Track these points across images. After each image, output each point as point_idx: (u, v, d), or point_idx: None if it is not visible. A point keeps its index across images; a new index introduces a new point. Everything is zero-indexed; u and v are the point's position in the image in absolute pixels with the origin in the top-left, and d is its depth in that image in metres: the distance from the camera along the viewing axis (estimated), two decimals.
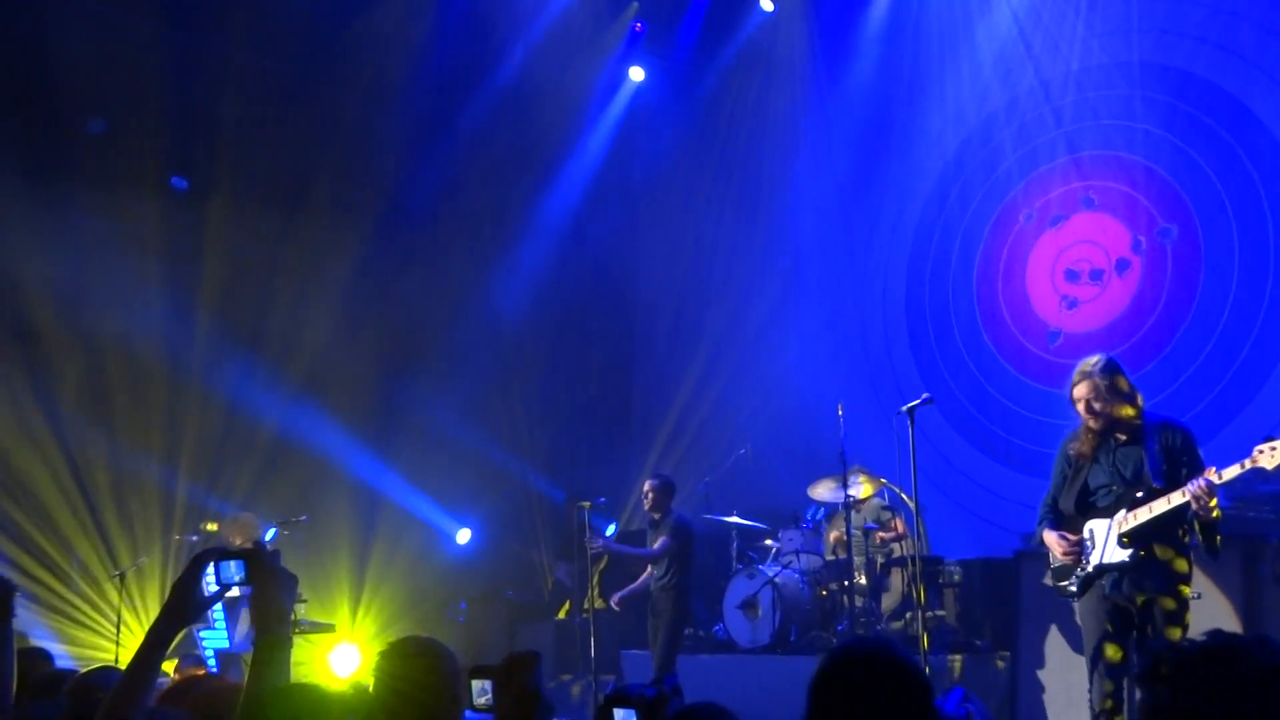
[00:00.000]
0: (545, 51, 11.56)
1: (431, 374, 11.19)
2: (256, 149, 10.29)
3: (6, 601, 3.23)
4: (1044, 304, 10.24)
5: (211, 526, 10.07)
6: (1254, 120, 9.03)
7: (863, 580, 8.41)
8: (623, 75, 12.33)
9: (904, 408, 6.20)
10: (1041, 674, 7.01)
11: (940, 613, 8.40)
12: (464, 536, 11.68)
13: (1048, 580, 5.29)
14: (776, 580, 8.38)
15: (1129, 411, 4.98)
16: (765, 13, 11.94)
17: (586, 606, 11.01)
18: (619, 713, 2.72)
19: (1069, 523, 5.11)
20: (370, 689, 2.97)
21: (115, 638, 8.56)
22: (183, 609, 2.51)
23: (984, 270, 10.66)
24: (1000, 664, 7.53)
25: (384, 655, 3.04)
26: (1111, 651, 4.89)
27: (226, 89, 10.19)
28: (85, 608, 9.68)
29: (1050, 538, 5.12)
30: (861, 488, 8.66)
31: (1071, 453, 5.11)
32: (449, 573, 11.24)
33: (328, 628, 8.38)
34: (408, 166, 11.33)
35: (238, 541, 8.88)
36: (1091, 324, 9.83)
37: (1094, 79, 10.00)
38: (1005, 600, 7.61)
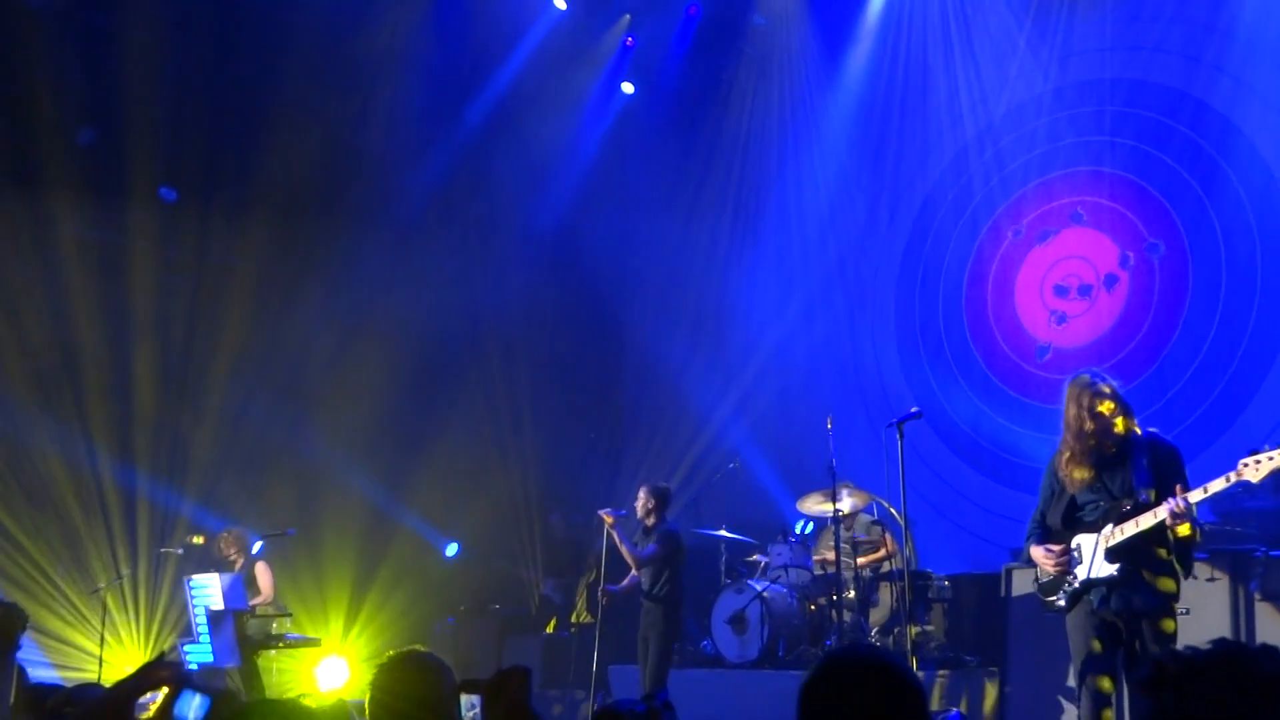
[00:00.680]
0: (538, 65, 11.58)
1: (421, 385, 11.16)
2: (247, 159, 10.27)
3: (12, 632, 3.19)
4: (1033, 319, 10.26)
5: (198, 539, 10.04)
6: (1241, 137, 9.08)
7: (851, 595, 8.39)
8: (614, 89, 12.36)
9: (892, 422, 6.20)
10: (1030, 689, 6.99)
11: (929, 627, 8.38)
12: (452, 550, 11.65)
13: (1033, 591, 5.28)
14: (765, 595, 8.35)
15: (1133, 424, 4.99)
16: (756, 27, 11.99)
17: (574, 620, 10.99)
18: None
19: (1057, 538, 5.09)
20: (344, 703, 2.94)
21: (99, 653, 8.49)
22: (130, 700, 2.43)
23: (973, 284, 10.68)
24: (988, 679, 7.51)
25: (381, 669, 3.01)
26: (1099, 667, 4.88)
27: (218, 99, 10.18)
28: (70, 621, 9.61)
29: (1038, 552, 5.11)
30: (850, 502, 8.64)
31: (1061, 474, 5.08)
32: (436, 586, 11.19)
33: (313, 642, 8.32)
34: (400, 176, 11.32)
35: (231, 555, 8.84)
36: (1080, 339, 9.85)
37: (1083, 95, 10.05)
38: (994, 615, 7.60)
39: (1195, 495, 4.68)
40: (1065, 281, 10.09)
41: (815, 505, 8.85)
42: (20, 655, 4.51)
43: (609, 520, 7.75)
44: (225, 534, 8.93)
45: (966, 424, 10.41)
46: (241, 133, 10.31)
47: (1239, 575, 6.19)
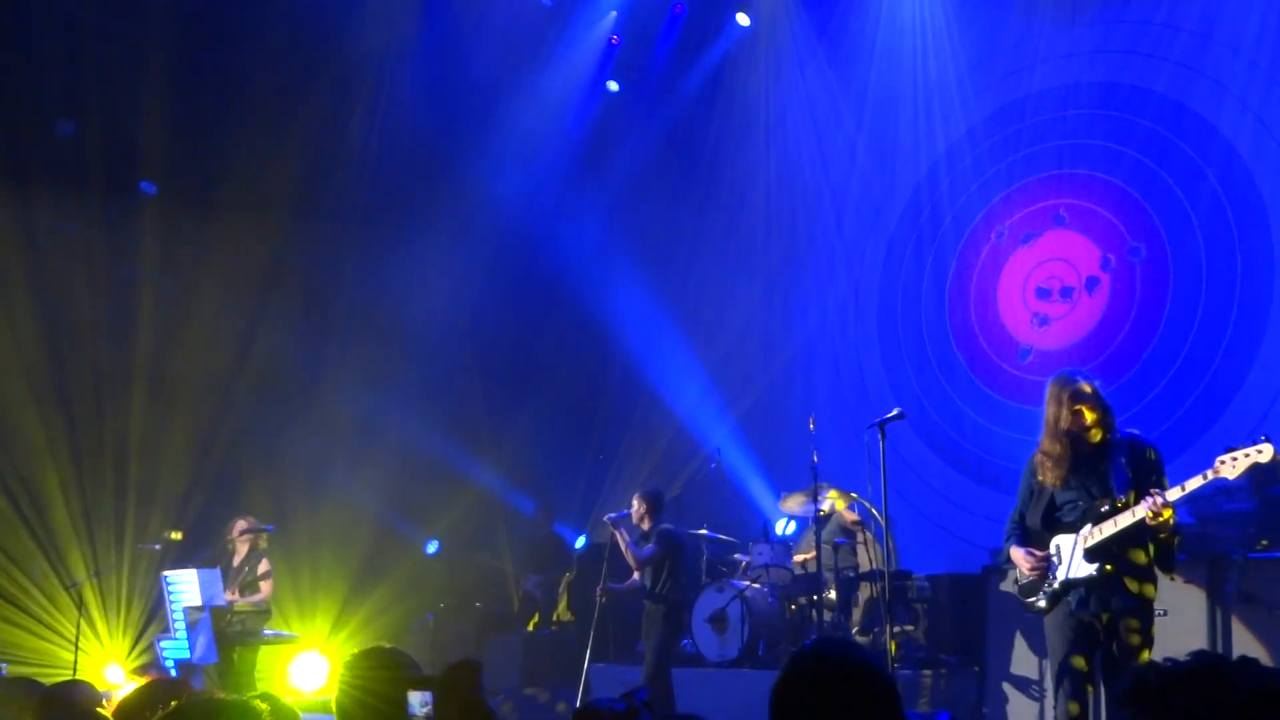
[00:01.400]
0: (521, 61, 11.55)
1: (399, 384, 11.12)
2: (224, 155, 10.22)
3: None
4: (1015, 321, 10.30)
5: (176, 535, 9.97)
6: (1221, 140, 9.13)
7: (832, 595, 8.40)
8: (599, 87, 12.34)
9: (874, 422, 6.20)
10: (1009, 689, 7.01)
11: (909, 627, 8.40)
12: (433, 547, 11.62)
13: (1014, 592, 5.29)
14: (746, 594, 8.35)
15: (1099, 428, 5.00)
16: (741, 28, 12.00)
17: (555, 619, 10.97)
18: None
19: (1036, 538, 5.11)
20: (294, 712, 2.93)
21: (74, 648, 8.42)
22: None
23: (956, 286, 10.71)
24: (969, 679, 7.53)
25: (348, 665, 3.00)
26: (1077, 667, 4.89)
27: (197, 93, 10.12)
28: (46, 617, 9.53)
29: (1018, 554, 5.12)
30: (831, 502, 8.65)
31: (1041, 472, 5.09)
32: (417, 583, 11.15)
33: (291, 638, 8.28)
34: (378, 175, 11.27)
35: (238, 544, 8.73)
36: (1062, 341, 9.89)
37: (1066, 98, 10.09)
38: (973, 615, 7.61)
39: (1174, 493, 4.70)
40: (1047, 284, 10.13)
41: (797, 505, 8.86)
42: None
43: (610, 520, 7.94)
44: (240, 522, 8.77)
45: (948, 425, 10.44)
46: (218, 128, 10.25)
47: (1216, 577, 6.21)
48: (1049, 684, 5.10)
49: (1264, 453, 4.56)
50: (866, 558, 8.68)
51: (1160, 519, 4.68)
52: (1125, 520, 4.77)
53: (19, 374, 9.54)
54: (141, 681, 5.31)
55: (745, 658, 8.25)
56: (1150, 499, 4.68)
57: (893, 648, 5.98)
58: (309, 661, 8.35)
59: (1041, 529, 5.08)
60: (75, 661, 8.28)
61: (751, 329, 11.75)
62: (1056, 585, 4.97)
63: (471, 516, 11.65)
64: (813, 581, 8.32)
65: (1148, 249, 9.53)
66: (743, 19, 11.92)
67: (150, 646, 9.08)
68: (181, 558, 9.14)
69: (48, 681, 4.41)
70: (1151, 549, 4.83)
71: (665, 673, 7.88)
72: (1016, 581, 5.26)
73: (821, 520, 8.49)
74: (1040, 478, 5.08)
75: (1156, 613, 4.93)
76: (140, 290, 10.21)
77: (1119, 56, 9.82)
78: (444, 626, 10.91)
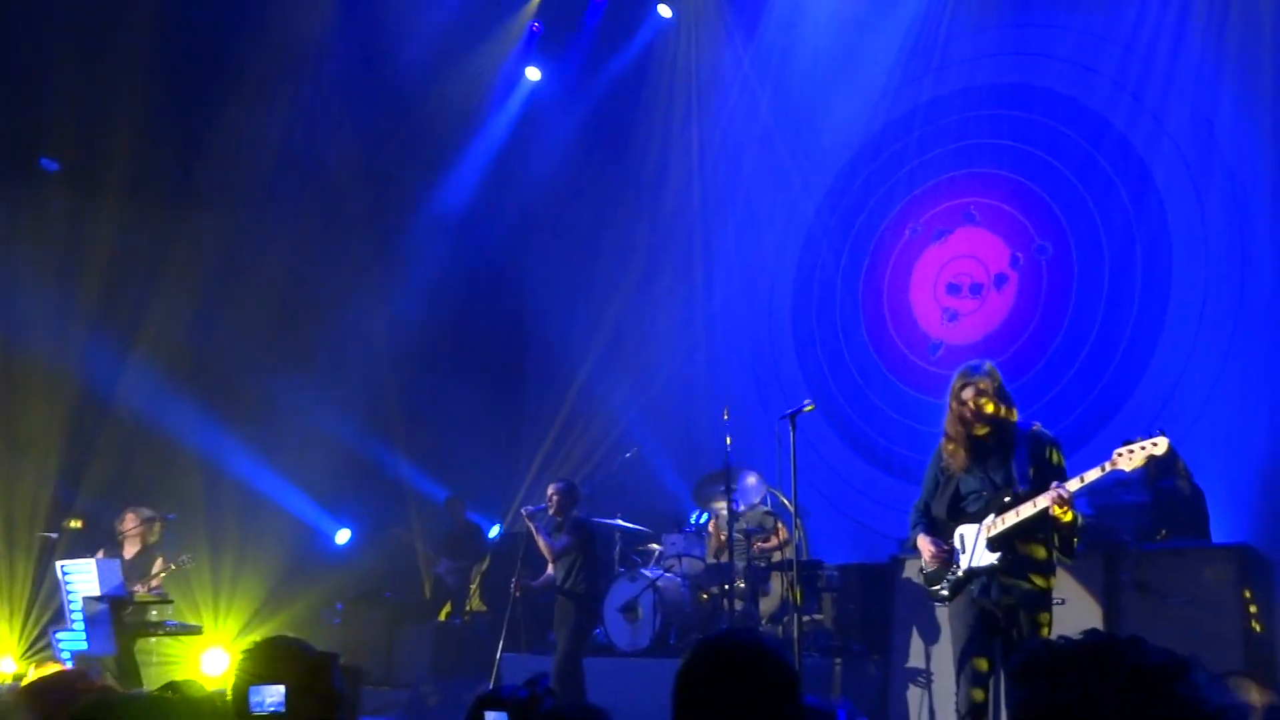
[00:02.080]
0: (441, 49, 11.42)
1: (313, 370, 10.93)
2: (136, 136, 9.94)
3: None
4: (926, 315, 10.48)
5: (76, 523, 9.68)
6: (1121, 139, 9.40)
7: (743, 584, 8.47)
8: (519, 75, 12.26)
9: (785, 414, 6.26)
10: (913, 677, 7.15)
11: (818, 616, 8.51)
12: (343, 536, 11.44)
13: (918, 580, 5.39)
14: (658, 584, 8.38)
15: (1014, 415, 5.11)
16: (663, 19, 12.01)
17: (467, 609, 10.90)
18: (490, 715, 2.67)
19: (941, 528, 5.21)
20: (222, 694, 2.86)
21: None
22: None
23: (870, 280, 10.87)
24: (875, 666, 7.66)
25: (246, 656, 2.92)
26: (977, 655, 4.99)
27: (110, 73, 9.82)
28: None
29: (923, 542, 5.21)
30: (744, 493, 8.72)
31: (946, 462, 5.20)
32: (326, 573, 10.98)
33: (194, 630, 8.09)
34: (296, 161, 11.06)
35: (131, 535, 8.47)
36: (971, 336, 10.10)
37: (977, 99, 10.29)
38: (880, 604, 7.74)
39: (1073, 485, 4.83)
40: (958, 280, 10.33)
41: (711, 496, 8.91)
42: None
43: (527, 513, 7.96)
44: (130, 514, 8.55)
45: (860, 417, 10.59)
46: (130, 108, 9.97)
47: (1111, 566, 6.41)
48: (952, 671, 5.19)
49: (1159, 445, 4.71)
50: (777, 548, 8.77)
51: (1061, 509, 4.81)
52: (1027, 511, 4.89)
53: None
54: (47, 669, 5.14)
55: (657, 647, 8.28)
56: (1053, 490, 4.80)
57: (801, 638, 6.05)
58: (214, 654, 8.16)
59: (946, 518, 5.18)
60: None
61: (668, 319, 11.78)
62: (960, 573, 5.07)
63: (385, 504, 11.52)
64: (724, 571, 8.38)
65: (1054, 247, 9.77)
66: (665, 11, 11.94)
67: (42, 637, 8.81)
68: (72, 549, 8.85)
69: None
70: (1055, 538, 4.96)
71: (577, 662, 7.90)
72: (921, 570, 5.36)
73: (735, 511, 8.55)
74: (944, 465, 5.19)
75: (1055, 601, 5.06)
76: (45, 269, 9.90)
77: (1027, 59, 10.05)
78: (353, 617, 10.77)
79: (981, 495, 5.08)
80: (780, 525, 8.86)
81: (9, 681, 6.83)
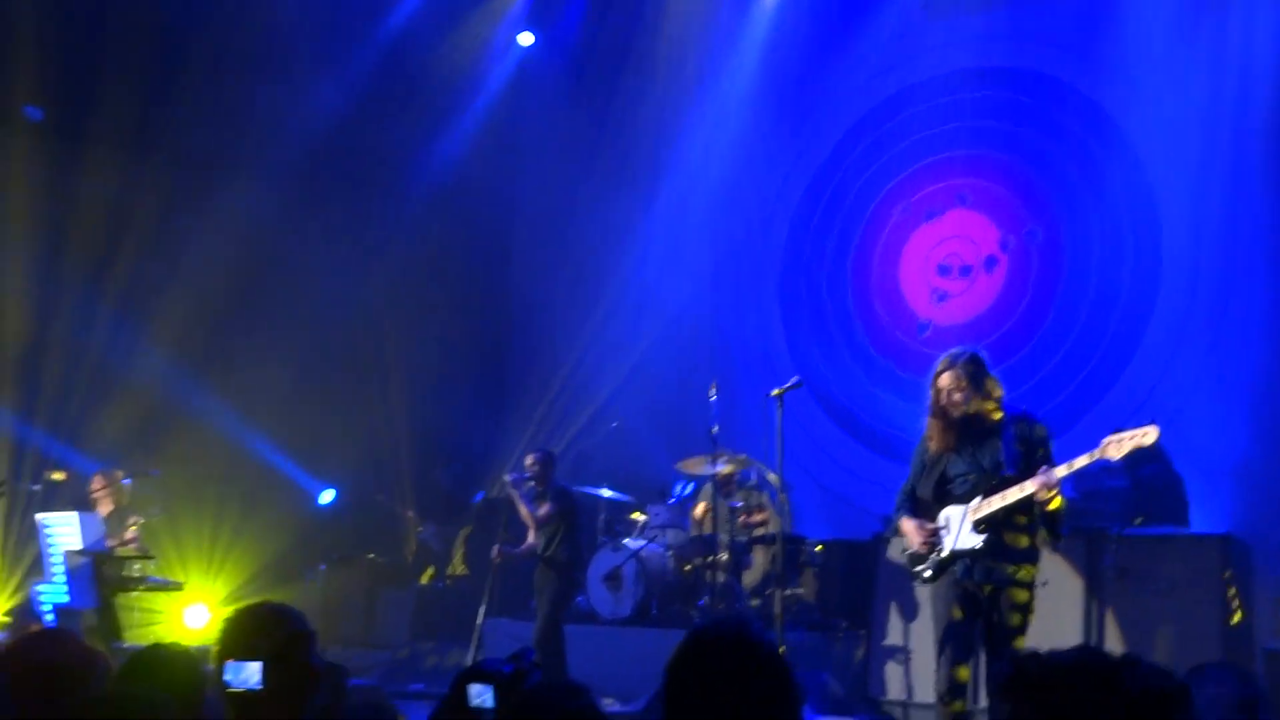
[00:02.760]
0: (434, 9, 11.31)
1: (297, 328, 10.86)
2: (125, 87, 9.82)
3: None
4: (915, 295, 10.49)
5: (58, 475, 9.62)
6: (1110, 123, 9.39)
7: (725, 557, 8.51)
8: (512, 37, 12.16)
9: (774, 391, 6.26)
10: (894, 654, 7.21)
11: (800, 591, 8.56)
12: (327, 497, 11.43)
13: (901, 561, 5.42)
14: (641, 554, 8.42)
15: (989, 405, 5.12)
16: None
17: (449, 573, 10.92)
18: (475, 688, 2.66)
19: (926, 510, 5.23)
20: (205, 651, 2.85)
21: None
22: None
23: (859, 259, 10.86)
24: (855, 642, 7.71)
25: (229, 620, 2.91)
26: (958, 636, 5.04)
27: (96, 21, 9.68)
28: None
29: (908, 525, 5.24)
30: (729, 466, 8.74)
31: (932, 445, 5.22)
32: (307, 533, 10.97)
33: (176, 586, 8.09)
34: (285, 113, 10.95)
35: (98, 497, 8.46)
36: (959, 317, 10.11)
37: (970, 81, 10.25)
38: (863, 581, 7.80)
39: (1061, 471, 4.86)
40: (948, 261, 10.33)
41: (695, 468, 8.94)
42: None
43: (508, 482, 8.12)
44: (98, 476, 8.58)
45: (845, 394, 10.62)
46: (121, 60, 9.85)
47: (1094, 550, 6.46)
48: (932, 648, 5.23)
49: (1149, 435, 4.73)
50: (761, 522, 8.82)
51: (1049, 494, 4.84)
52: (1014, 495, 4.92)
53: None
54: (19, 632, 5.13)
55: (638, 616, 8.33)
56: (1041, 475, 4.82)
57: (782, 613, 6.09)
58: (196, 611, 8.18)
59: (932, 501, 5.20)
60: None
61: (656, 293, 11.75)
62: (944, 555, 5.10)
63: (369, 466, 11.50)
64: (707, 543, 8.42)
65: (1044, 231, 9.78)
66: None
67: (19, 590, 8.80)
68: (69, 500, 8.83)
69: None
70: (1040, 522, 4.99)
71: (557, 630, 7.95)
72: (904, 551, 5.39)
73: (719, 484, 8.58)
74: (931, 448, 5.21)
75: (1039, 583, 5.10)
76: (25, 219, 9.79)
77: (1024, 42, 10.01)
78: (334, 578, 10.77)
79: (969, 478, 5.11)
80: (765, 500, 8.90)
81: None
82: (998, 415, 5.13)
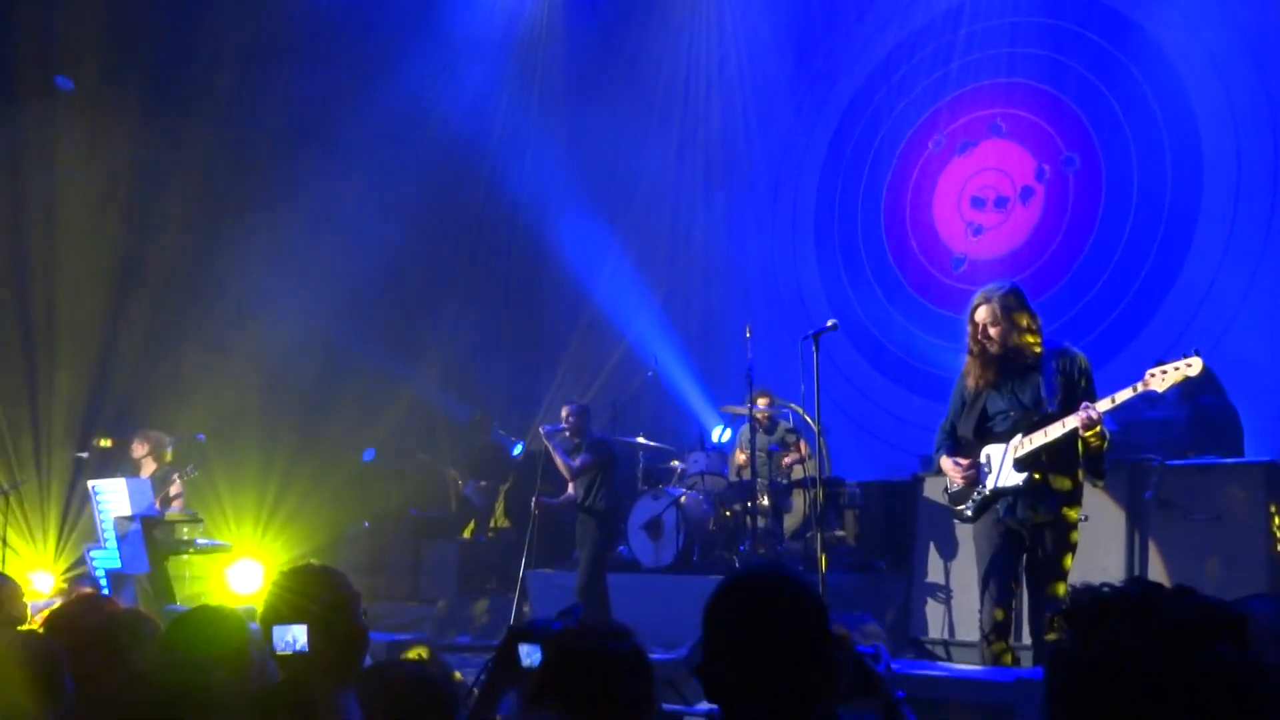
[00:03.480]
0: None
1: (335, 290, 10.92)
2: (136, 51, 9.84)
3: None
4: (950, 230, 10.35)
5: (105, 442, 9.79)
6: (1155, 48, 9.14)
7: (765, 502, 8.51)
8: None
9: (809, 334, 6.21)
10: (935, 593, 7.20)
11: (840, 533, 8.56)
12: (367, 455, 11.55)
13: (942, 500, 5.39)
14: (681, 501, 8.44)
15: (1029, 339, 5.04)
16: None
17: (492, 525, 11.02)
18: (524, 648, 2.65)
19: (967, 448, 5.18)
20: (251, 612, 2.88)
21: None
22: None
23: (892, 195, 10.72)
24: (897, 583, 7.71)
25: (277, 583, 2.93)
26: (1002, 574, 5.01)
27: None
28: None
29: (947, 463, 5.19)
30: (767, 411, 8.72)
31: (971, 382, 5.16)
32: (352, 490, 11.10)
33: (224, 547, 8.22)
34: (309, 69, 10.91)
35: (141, 458, 8.60)
36: (995, 250, 9.97)
37: (1004, 6, 10.01)
38: (903, 521, 7.77)
39: (1103, 405, 4.78)
40: (982, 193, 10.16)
41: (736, 410, 8.94)
42: None
43: (544, 433, 8.14)
44: (139, 437, 8.69)
45: (881, 333, 10.54)
46: (132, 24, 9.85)
47: (1136, 483, 6.38)
48: (975, 587, 5.21)
49: (1194, 366, 4.64)
50: (800, 465, 8.81)
51: (1092, 430, 4.77)
52: (1056, 431, 4.85)
53: None
54: (70, 596, 5.23)
55: (680, 564, 8.37)
56: (1082, 411, 4.75)
57: (823, 560, 6.08)
58: (244, 569, 8.29)
59: (973, 439, 5.15)
60: (1, 560, 8.18)
61: (690, 238, 11.69)
62: (986, 493, 5.06)
63: (410, 424, 11.59)
64: (746, 489, 8.42)
65: (1081, 160, 9.59)
66: None
67: (79, 555, 8.97)
68: (117, 466, 8.98)
69: None
70: (1083, 457, 4.92)
71: (600, 579, 8.03)
72: (945, 490, 5.35)
73: (757, 427, 8.57)
74: (969, 385, 5.15)
75: (1080, 518, 5.05)
76: (62, 191, 9.88)
77: None
78: (379, 534, 10.91)
79: (1009, 415, 5.04)
80: (802, 442, 8.88)
81: (45, 599, 6.97)
82: (1038, 349, 5.05)
